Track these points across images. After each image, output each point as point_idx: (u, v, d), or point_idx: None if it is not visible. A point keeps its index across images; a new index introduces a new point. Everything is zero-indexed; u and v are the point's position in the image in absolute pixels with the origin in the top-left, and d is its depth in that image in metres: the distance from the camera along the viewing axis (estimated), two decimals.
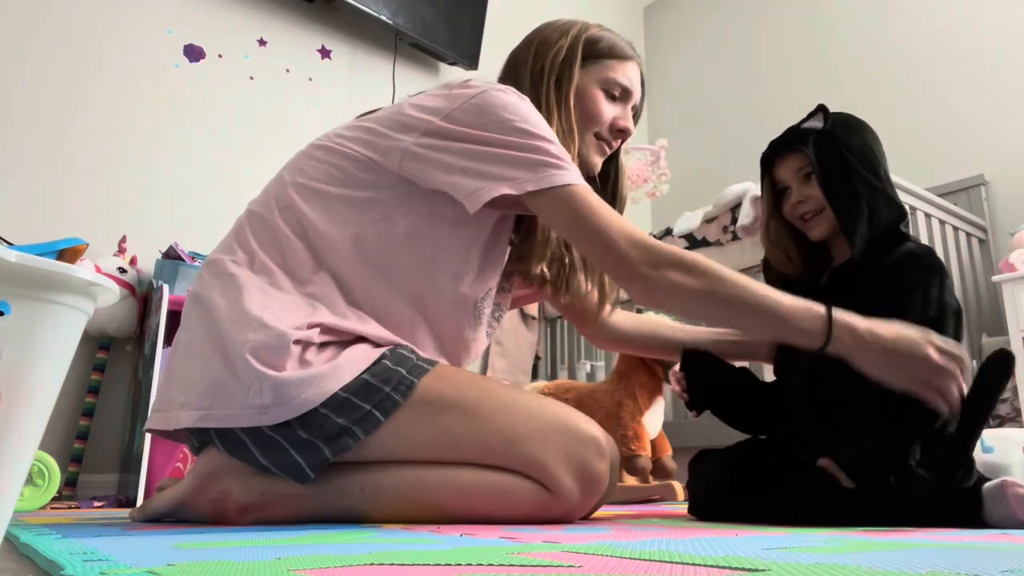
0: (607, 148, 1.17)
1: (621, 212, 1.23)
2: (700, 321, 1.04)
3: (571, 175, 0.95)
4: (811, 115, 1.09)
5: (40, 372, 0.51)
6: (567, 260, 1.20)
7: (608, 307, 1.23)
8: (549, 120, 1.05)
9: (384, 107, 1.07)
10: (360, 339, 0.95)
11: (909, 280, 0.99)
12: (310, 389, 0.87)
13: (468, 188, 0.94)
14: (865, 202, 1.02)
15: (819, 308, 0.90)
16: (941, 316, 0.96)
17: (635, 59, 1.18)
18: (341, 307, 0.95)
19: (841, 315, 0.89)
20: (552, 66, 1.10)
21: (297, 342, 0.89)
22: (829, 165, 1.05)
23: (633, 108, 1.19)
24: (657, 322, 1.36)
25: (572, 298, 1.26)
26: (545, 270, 1.17)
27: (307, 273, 0.97)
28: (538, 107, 1.05)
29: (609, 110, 1.14)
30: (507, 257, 1.13)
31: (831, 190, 1.04)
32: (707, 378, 1.12)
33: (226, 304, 0.93)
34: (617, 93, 1.15)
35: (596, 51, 1.14)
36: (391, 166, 0.99)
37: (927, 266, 1.00)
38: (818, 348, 0.89)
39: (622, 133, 1.16)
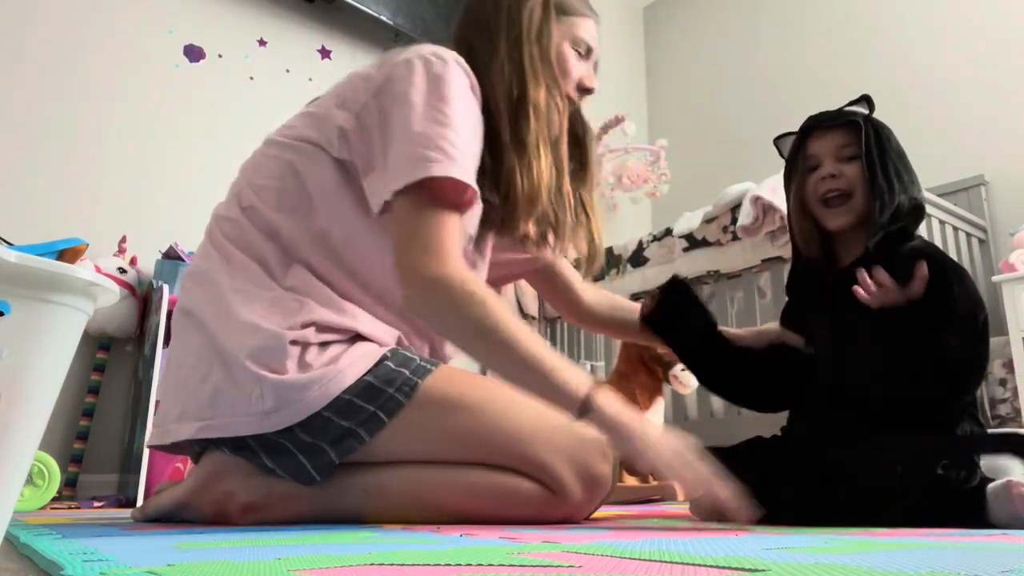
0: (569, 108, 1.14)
1: (592, 178, 1.19)
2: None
3: (446, 168, 0.89)
4: (855, 102, 1.07)
5: (40, 372, 0.51)
6: (559, 218, 1.12)
7: (593, 267, 1.18)
8: (537, 81, 1.03)
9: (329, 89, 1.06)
10: (357, 336, 0.94)
11: (929, 279, 0.96)
12: (312, 392, 0.86)
13: (370, 191, 0.94)
14: (897, 197, 1.02)
15: (583, 389, 0.83)
16: (975, 312, 0.94)
17: (595, 17, 1.16)
18: (325, 298, 0.94)
19: (603, 404, 0.83)
20: (530, 23, 1.06)
21: (294, 343, 0.88)
22: (872, 151, 1.03)
23: (594, 66, 1.17)
24: (633, 307, 1.31)
25: (556, 272, 1.24)
26: (532, 229, 1.10)
27: (282, 267, 0.97)
28: (522, 69, 1.03)
29: (577, 68, 1.12)
30: (479, 221, 1.08)
31: (873, 174, 1.02)
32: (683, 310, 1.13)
33: (214, 312, 0.93)
34: (583, 50, 1.12)
35: (563, 7, 1.11)
36: (332, 151, 0.98)
37: (942, 263, 0.98)
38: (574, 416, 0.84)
39: (588, 92, 1.15)
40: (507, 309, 0.89)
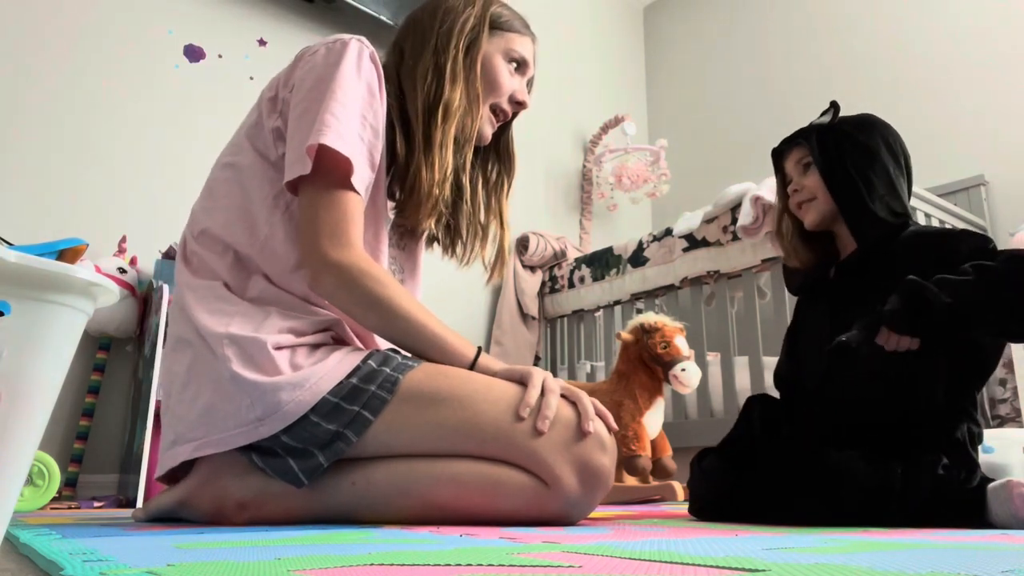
0: (499, 119, 1.19)
1: (511, 179, 1.25)
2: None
3: (322, 136, 0.92)
4: (823, 112, 1.13)
5: (40, 372, 0.51)
6: (450, 223, 1.19)
7: (498, 273, 1.24)
8: (454, 84, 1.07)
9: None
10: (329, 330, 0.98)
11: (927, 253, 0.99)
12: (299, 392, 0.88)
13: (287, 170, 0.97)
14: (867, 194, 1.05)
15: (470, 353, 0.98)
16: (983, 257, 0.92)
17: (532, 36, 1.21)
18: (287, 303, 0.98)
19: (484, 363, 0.98)
20: (461, 32, 1.11)
21: (279, 348, 0.91)
22: (830, 157, 1.08)
23: (528, 82, 1.21)
24: None
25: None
26: (434, 227, 1.17)
27: (241, 281, 1.00)
28: (442, 72, 1.08)
29: (509, 81, 1.16)
30: (392, 214, 1.14)
31: (830, 178, 1.08)
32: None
33: (195, 335, 0.96)
34: (516, 65, 1.17)
35: (499, 23, 1.16)
36: (271, 156, 1.02)
37: (941, 235, 1.03)
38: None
39: (520, 105, 1.19)
40: (401, 288, 0.97)
